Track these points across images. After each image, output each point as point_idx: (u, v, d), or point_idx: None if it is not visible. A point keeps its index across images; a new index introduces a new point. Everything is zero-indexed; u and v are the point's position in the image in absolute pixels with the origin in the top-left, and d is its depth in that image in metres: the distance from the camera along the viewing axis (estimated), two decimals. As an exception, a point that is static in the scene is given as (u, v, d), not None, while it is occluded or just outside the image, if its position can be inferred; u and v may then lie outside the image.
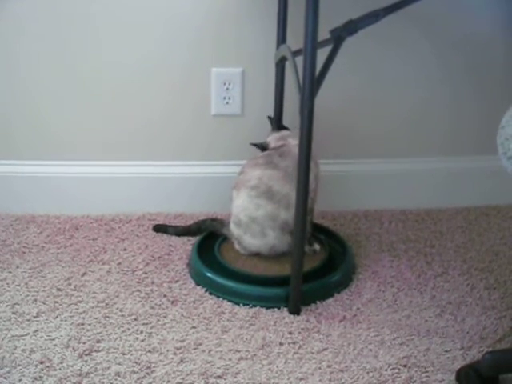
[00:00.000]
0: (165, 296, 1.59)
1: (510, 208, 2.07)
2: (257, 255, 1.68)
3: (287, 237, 1.63)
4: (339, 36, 1.46)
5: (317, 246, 1.73)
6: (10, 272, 1.66)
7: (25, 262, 1.71)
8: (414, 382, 1.32)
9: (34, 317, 1.49)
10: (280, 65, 1.82)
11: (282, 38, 1.80)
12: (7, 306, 1.52)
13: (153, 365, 1.34)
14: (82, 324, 1.47)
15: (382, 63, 1.97)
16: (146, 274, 1.68)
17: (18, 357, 1.35)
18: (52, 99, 1.92)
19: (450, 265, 1.76)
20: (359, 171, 2.05)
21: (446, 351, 1.41)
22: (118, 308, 1.53)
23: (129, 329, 1.46)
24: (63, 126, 1.95)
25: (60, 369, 1.32)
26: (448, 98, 2.03)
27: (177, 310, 1.54)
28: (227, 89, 1.95)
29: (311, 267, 1.63)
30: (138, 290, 1.61)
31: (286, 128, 1.81)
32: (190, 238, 1.85)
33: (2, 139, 1.95)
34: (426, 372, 1.34)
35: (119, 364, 1.34)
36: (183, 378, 1.31)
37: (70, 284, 1.62)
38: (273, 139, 1.76)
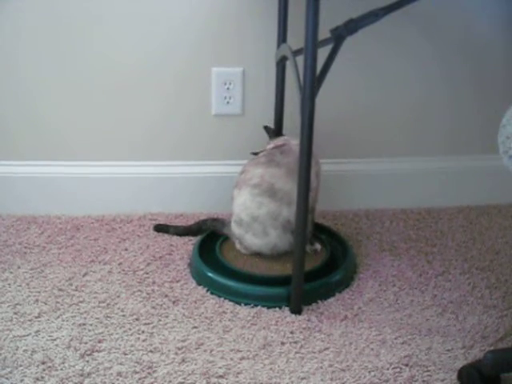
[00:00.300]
0: (166, 296, 1.59)
1: (510, 207, 2.07)
2: (258, 255, 1.68)
3: (289, 236, 1.63)
4: (340, 35, 1.46)
5: (318, 246, 1.73)
6: (11, 272, 1.66)
7: (26, 262, 1.71)
8: (416, 381, 1.32)
9: (36, 317, 1.49)
10: (281, 64, 1.82)
11: (282, 38, 1.80)
12: (9, 306, 1.52)
13: (154, 365, 1.34)
14: (84, 324, 1.47)
15: (382, 62, 1.97)
16: (147, 273, 1.68)
17: (19, 357, 1.35)
18: (52, 99, 1.92)
19: (451, 264, 1.76)
20: (360, 170, 2.05)
21: (448, 350, 1.41)
22: (119, 308, 1.53)
23: (130, 329, 1.46)
24: (63, 125, 1.95)
25: (62, 369, 1.32)
26: (449, 97, 2.02)
27: (178, 309, 1.54)
28: (228, 88, 1.95)
29: (312, 267, 1.63)
30: (140, 290, 1.61)
31: (283, 135, 1.82)
32: (191, 237, 1.85)
33: (2, 139, 1.95)
34: (428, 371, 1.34)
35: (121, 364, 1.34)
36: (185, 378, 1.31)
37: (71, 284, 1.62)
38: (272, 145, 1.76)
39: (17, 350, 1.37)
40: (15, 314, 1.50)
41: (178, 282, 1.65)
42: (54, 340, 1.41)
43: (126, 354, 1.37)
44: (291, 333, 1.46)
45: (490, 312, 1.54)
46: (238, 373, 1.33)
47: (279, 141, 1.76)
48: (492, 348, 1.41)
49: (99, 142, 1.97)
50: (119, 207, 1.98)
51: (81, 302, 1.55)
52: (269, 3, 1.83)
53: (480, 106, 2.03)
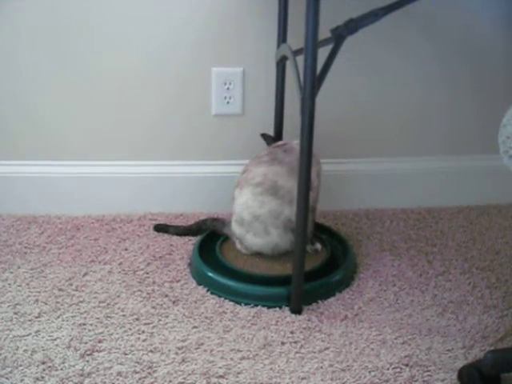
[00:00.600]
0: (166, 296, 1.59)
1: (511, 207, 2.07)
2: (258, 255, 1.68)
3: (289, 235, 1.63)
4: (340, 35, 1.46)
5: (318, 246, 1.73)
6: (11, 272, 1.66)
7: (26, 262, 1.71)
8: (416, 381, 1.32)
9: (36, 317, 1.49)
10: (281, 64, 1.82)
11: (282, 38, 1.80)
12: (9, 306, 1.52)
13: (154, 365, 1.34)
14: (84, 324, 1.47)
15: (382, 62, 1.97)
16: (147, 273, 1.68)
17: (19, 357, 1.35)
18: (52, 99, 1.92)
19: (451, 264, 1.76)
20: (360, 170, 2.05)
21: (448, 350, 1.41)
22: (119, 308, 1.53)
23: (130, 329, 1.46)
24: (64, 125, 1.94)
25: (62, 369, 1.32)
26: (449, 97, 2.03)
27: (178, 309, 1.54)
28: (228, 88, 1.94)
29: (313, 266, 1.63)
30: (140, 290, 1.61)
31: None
32: (191, 237, 1.85)
33: (3, 139, 1.95)
34: (428, 371, 1.34)
35: (121, 364, 1.34)
36: (185, 378, 1.31)
37: (71, 284, 1.62)
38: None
39: (17, 349, 1.37)
40: (15, 313, 1.50)
41: (178, 281, 1.65)
42: (54, 340, 1.41)
43: (126, 354, 1.37)
44: (291, 333, 1.46)
45: (490, 312, 1.54)
46: (238, 373, 1.33)
47: (280, 142, 1.76)
48: (492, 348, 1.41)
49: (99, 141, 1.97)
50: (119, 207, 1.98)
51: (81, 301, 1.55)
52: (269, 3, 1.83)
53: (480, 105, 2.03)
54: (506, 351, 1.33)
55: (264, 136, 1.84)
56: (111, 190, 1.98)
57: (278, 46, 1.82)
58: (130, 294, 1.59)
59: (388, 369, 1.35)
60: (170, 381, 1.30)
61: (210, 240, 1.77)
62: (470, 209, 2.06)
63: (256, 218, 1.63)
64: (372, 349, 1.41)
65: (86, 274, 1.67)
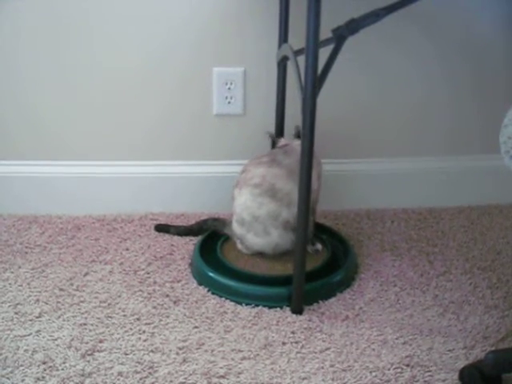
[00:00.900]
0: (167, 296, 1.59)
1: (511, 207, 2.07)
2: (259, 255, 1.68)
3: (290, 235, 1.62)
4: (341, 35, 1.46)
5: (319, 246, 1.73)
6: (12, 272, 1.66)
7: (27, 262, 1.71)
8: (417, 381, 1.32)
9: (37, 317, 1.49)
10: (282, 64, 1.82)
11: (283, 38, 1.80)
12: (10, 306, 1.52)
13: (155, 365, 1.34)
14: (85, 324, 1.47)
15: (383, 62, 1.97)
16: (148, 273, 1.68)
17: (20, 357, 1.35)
18: (53, 99, 1.92)
19: (452, 264, 1.76)
20: (361, 170, 2.05)
21: (449, 350, 1.41)
22: (120, 308, 1.53)
23: (131, 329, 1.46)
24: (65, 126, 1.95)
25: (62, 369, 1.32)
26: (449, 97, 2.02)
27: (179, 309, 1.54)
28: (229, 88, 1.94)
29: (313, 267, 1.63)
30: (141, 290, 1.61)
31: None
32: (192, 237, 1.85)
33: (5, 140, 1.95)
34: (429, 371, 1.34)
35: (122, 364, 1.34)
36: (186, 378, 1.31)
37: (72, 284, 1.62)
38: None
39: (18, 349, 1.37)
40: (16, 313, 1.50)
41: (179, 281, 1.65)
42: (55, 340, 1.41)
43: (126, 354, 1.37)
44: (292, 333, 1.46)
45: (491, 312, 1.54)
46: (239, 373, 1.33)
47: (281, 142, 1.76)
48: (493, 348, 1.41)
49: (101, 141, 1.97)
50: (120, 207, 1.98)
51: (82, 301, 1.55)
52: (270, 3, 1.83)
53: (481, 105, 2.03)
54: (507, 351, 1.33)
55: (270, 136, 1.83)
56: (112, 190, 1.98)
57: (279, 45, 1.82)
58: (130, 294, 1.59)
59: (389, 369, 1.35)
60: (171, 381, 1.30)
61: (210, 240, 1.77)
62: (470, 209, 2.06)
63: (255, 218, 1.63)
64: (373, 349, 1.41)
65: (86, 274, 1.67)
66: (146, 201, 1.99)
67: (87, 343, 1.40)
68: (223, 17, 1.88)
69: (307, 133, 1.41)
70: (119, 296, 1.58)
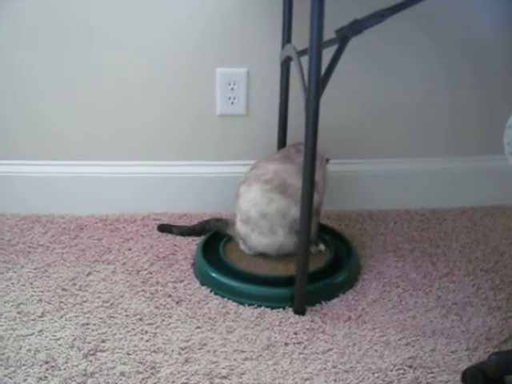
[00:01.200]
0: (170, 296, 1.59)
1: (515, 208, 2.07)
2: (262, 255, 1.68)
3: (294, 236, 1.62)
4: (344, 36, 1.46)
5: (322, 247, 1.73)
6: (15, 272, 1.67)
7: (30, 261, 1.71)
8: (420, 382, 1.31)
9: (39, 317, 1.49)
10: (285, 65, 1.82)
11: (287, 38, 1.80)
12: (12, 305, 1.53)
13: (158, 365, 1.34)
14: (87, 324, 1.47)
15: (386, 63, 1.96)
16: (150, 273, 1.68)
17: (22, 357, 1.35)
18: (55, 99, 1.92)
19: (455, 265, 1.75)
20: (364, 171, 2.04)
21: (452, 352, 1.40)
22: (122, 308, 1.53)
23: (134, 329, 1.46)
24: (66, 126, 1.94)
25: (65, 369, 1.32)
26: (452, 98, 2.02)
27: (181, 310, 1.54)
28: (232, 89, 1.94)
29: (316, 267, 1.63)
30: (143, 290, 1.61)
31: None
32: (195, 238, 1.85)
33: (7, 140, 1.95)
34: (432, 373, 1.34)
35: (124, 364, 1.34)
36: (188, 379, 1.31)
37: (74, 284, 1.62)
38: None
39: (20, 349, 1.37)
40: (19, 313, 1.50)
41: (181, 282, 1.65)
42: (58, 340, 1.41)
43: (129, 354, 1.37)
44: (295, 333, 1.46)
45: (494, 314, 1.54)
46: (242, 373, 1.33)
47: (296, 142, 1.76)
48: (496, 350, 1.41)
49: (103, 141, 1.97)
50: (123, 207, 1.98)
51: (84, 301, 1.55)
52: (273, 4, 1.83)
53: (484, 106, 2.03)
54: (510, 353, 1.33)
55: None
56: (115, 190, 1.98)
57: (283, 46, 1.81)
58: (133, 294, 1.59)
59: (391, 370, 1.34)
60: (173, 381, 1.30)
61: (213, 240, 1.77)
62: (473, 210, 2.06)
63: (263, 215, 1.62)
64: (375, 350, 1.41)
65: (89, 274, 1.67)
66: (148, 201, 1.99)
67: (89, 343, 1.40)
68: (226, 17, 1.88)
69: (310, 133, 1.41)
70: (122, 296, 1.58)
